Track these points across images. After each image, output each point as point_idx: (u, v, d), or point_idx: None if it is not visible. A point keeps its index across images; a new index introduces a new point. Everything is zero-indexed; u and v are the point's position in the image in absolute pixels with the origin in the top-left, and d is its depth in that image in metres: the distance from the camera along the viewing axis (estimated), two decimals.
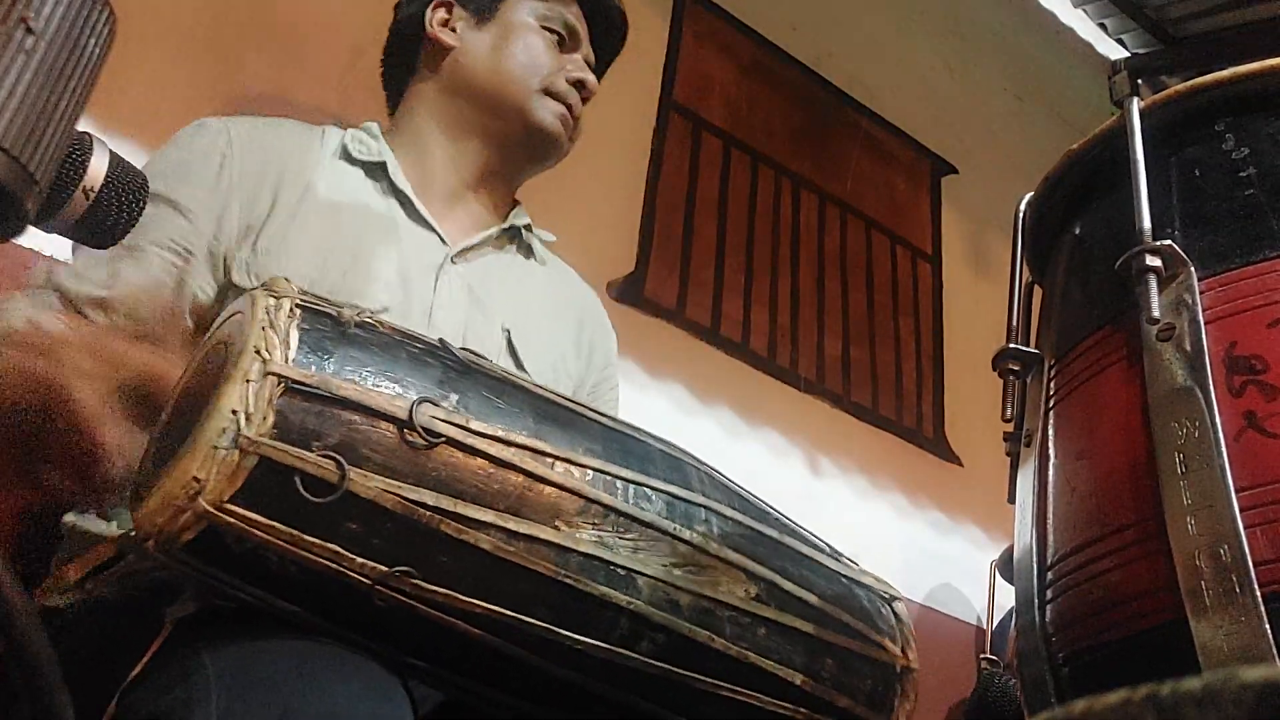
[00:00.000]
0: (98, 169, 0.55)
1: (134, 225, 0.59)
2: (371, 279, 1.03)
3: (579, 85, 1.20)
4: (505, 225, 1.19)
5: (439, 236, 1.12)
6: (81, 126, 0.52)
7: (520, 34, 1.20)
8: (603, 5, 1.27)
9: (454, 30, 1.21)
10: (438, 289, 1.07)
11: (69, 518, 0.94)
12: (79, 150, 0.55)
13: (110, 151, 0.57)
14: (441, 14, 1.22)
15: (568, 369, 1.19)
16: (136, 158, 0.63)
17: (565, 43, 1.22)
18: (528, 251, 1.23)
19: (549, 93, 1.17)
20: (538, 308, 1.18)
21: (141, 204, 0.59)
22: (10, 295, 0.96)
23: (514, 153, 1.20)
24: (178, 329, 0.98)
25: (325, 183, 1.08)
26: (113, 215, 0.57)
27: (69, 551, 0.93)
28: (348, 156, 1.13)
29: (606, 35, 1.29)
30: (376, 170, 1.13)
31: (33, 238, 1.07)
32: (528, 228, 1.22)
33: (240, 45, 1.49)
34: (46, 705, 0.38)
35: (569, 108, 1.19)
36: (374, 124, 1.19)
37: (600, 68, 1.28)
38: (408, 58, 1.24)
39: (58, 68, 0.46)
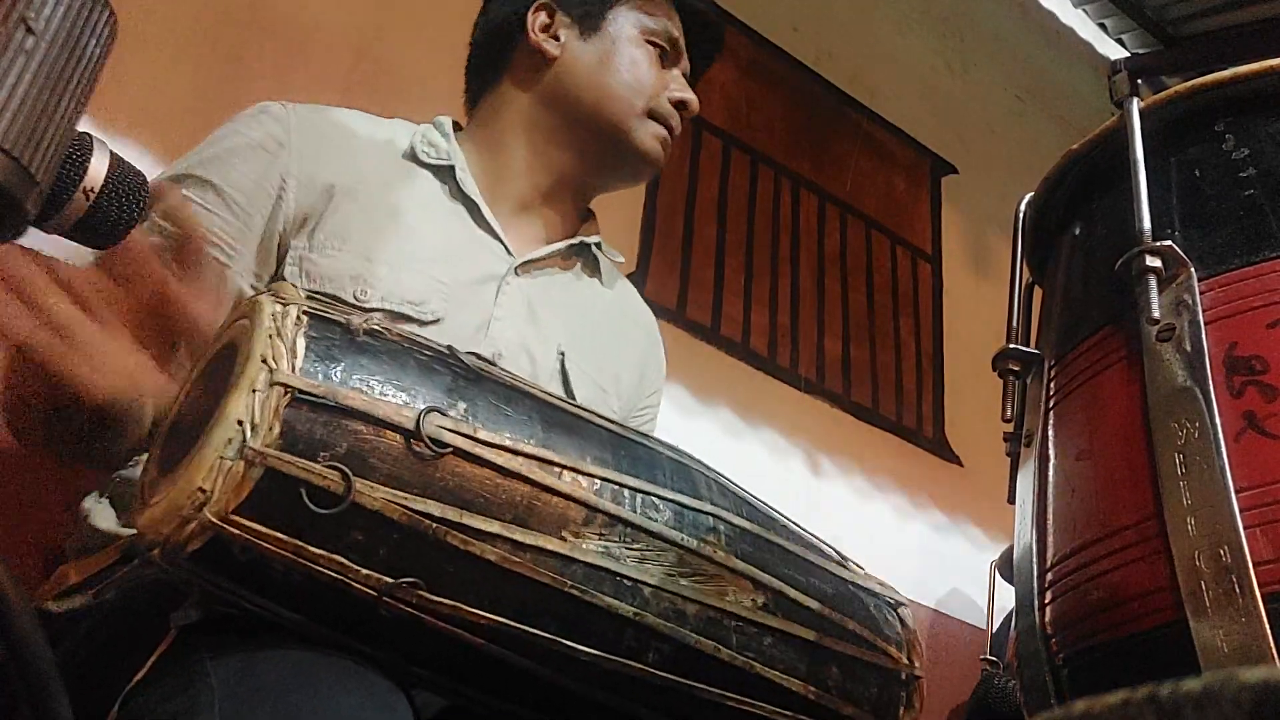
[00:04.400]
0: (98, 169, 0.55)
1: (134, 225, 0.59)
2: (425, 287, 0.99)
3: (680, 105, 1.16)
4: (574, 241, 1.15)
5: (504, 247, 1.08)
6: (81, 126, 0.52)
7: (626, 49, 1.15)
8: (700, 14, 1.23)
9: (557, 39, 1.15)
10: (498, 301, 1.03)
11: (87, 503, 0.94)
12: (79, 150, 0.55)
13: (110, 151, 0.57)
14: (544, 18, 1.16)
15: (620, 390, 1.16)
16: (136, 158, 0.63)
17: (668, 56, 1.18)
18: (594, 269, 1.19)
19: (653, 115, 1.14)
20: (596, 328, 1.14)
21: (142, 204, 0.59)
22: None
23: (606, 171, 1.17)
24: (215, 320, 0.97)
25: (389, 182, 1.04)
26: (113, 215, 0.57)
27: (79, 541, 0.93)
28: (414, 157, 1.08)
29: (701, 45, 1.25)
30: (444, 173, 1.09)
31: (33, 238, 1.07)
32: (598, 245, 1.19)
33: (241, 45, 1.49)
34: (46, 709, 0.38)
35: (670, 130, 1.16)
36: (446, 120, 1.14)
37: (694, 79, 1.25)
38: (499, 57, 1.17)
39: (58, 68, 0.46)
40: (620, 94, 1.13)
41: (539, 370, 1.04)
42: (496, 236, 1.08)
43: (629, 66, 1.14)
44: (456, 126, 1.15)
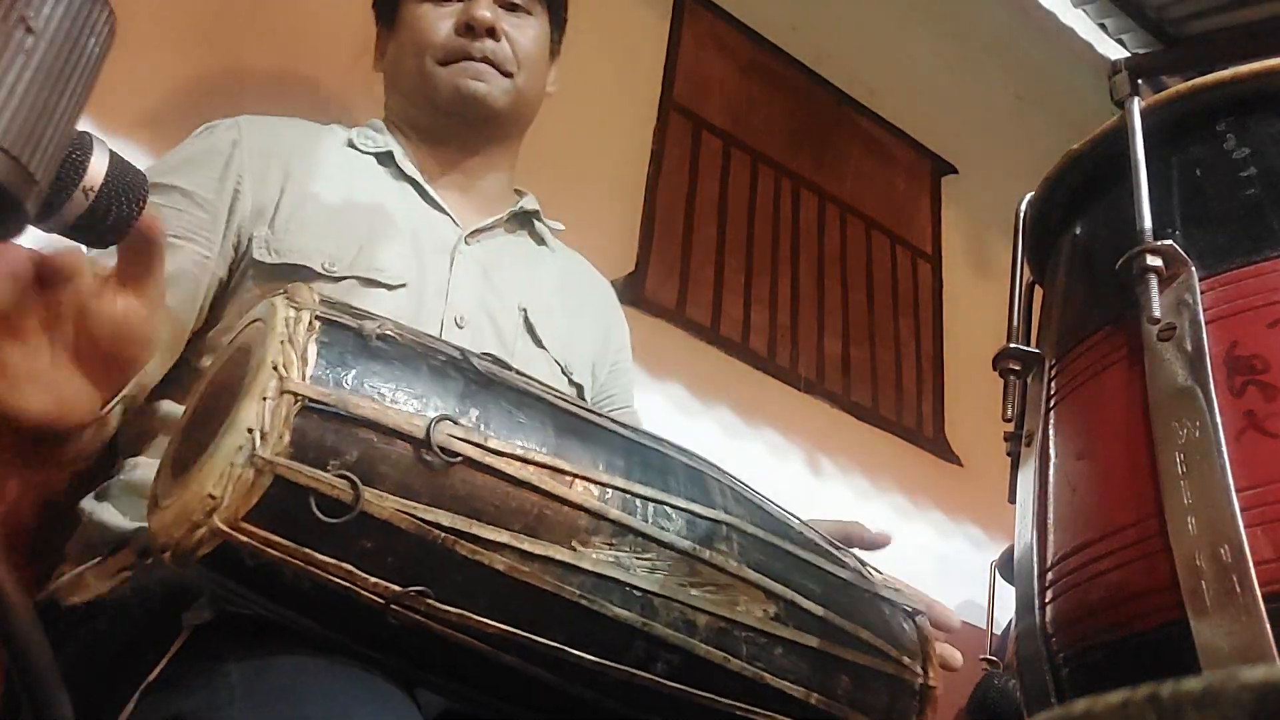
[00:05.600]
0: (98, 169, 0.55)
1: (135, 224, 0.59)
2: (389, 255, 1.03)
3: (468, 29, 1.12)
4: (514, 209, 1.19)
5: (451, 219, 1.12)
6: (81, 126, 0.52)
7: (407, 19, 1.16)
8: None
9: (383, 56, 1.22)
10: (453, 269, 1.08)
11: (86, 503, 0.94)
12: (79, 150, 0.55)
13: (110, 151, 0.57)
14: (378, 50, 1.24)
15: (586, 347, 1.19)
16: (136, 158, 0.63)
17: None
18: (539, 240, 1.23)
19: (440, 62, 1.13)
20: (551, 289, 1.18)
21: (141, 204, 0.59)
22: None
23: (455, 129, 1.17)
24: (194, 314, 0.98)
25: (336, 167, 1.09)
26: (113, 215, 0.57)
27: (83, 539, 0.93)
28: (354, 148, 1.14)
29: None
30: (385, 158, 1.13)
31: (33, 238, 1.07)
32: (536, 214, 1.22)
33: (240, 45, 1.49)
34: (46, 706, 0.38)
35: (468, 57, 1.12)
36: (377, 121, 1.19)
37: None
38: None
39: (58, 68, 0.46)
40: (410, 63, 1.15)
41: (503, 329, 1.07)
42: (443, 210, 1.12)
43: (410, 34, 1.15)
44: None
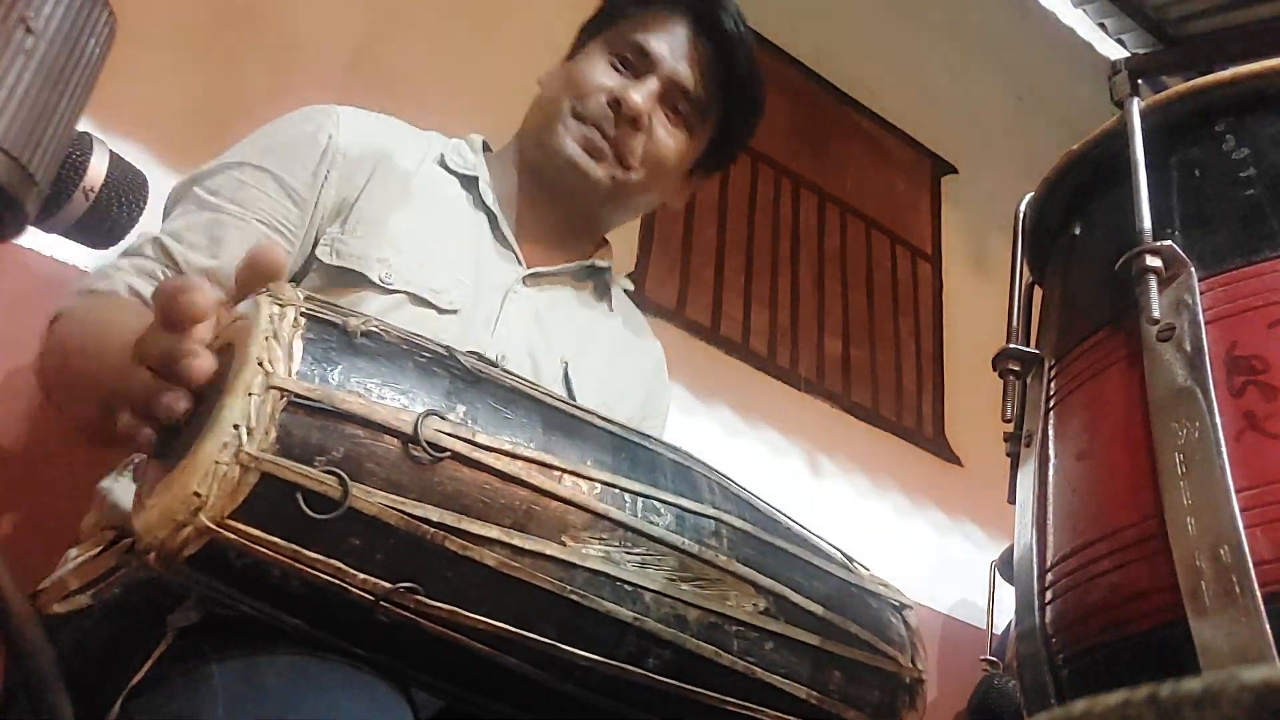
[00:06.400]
0: (98, 169, 0.55)
1: (134, 225, 0.59)
2: (447, 279, 1.01)
3: (616, 105, 1.07)
4: (586, 263, 1.15)
5: (517, 257, 1.10)
6: (81, 126, 0.52)
7: (584, 59, 1.12)
8: (724, 35, 1.11)
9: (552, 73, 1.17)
10: (505, 306, 1.05)
11: (105, 482, 0.94)
12: (79, 150, 0.55)
13: (110, 151, 0.57)
14: (563, 60, 1.18)
15: (622, 410, 1.14)
16: (136, 158, 0.63)
17: (629, 64, 1.10)
18: (604, 294, 1.19)
19: (577, 115, 1.08)
20: (601, 349, 1.15)
21: (142, 204, 0.59)
22: (114, 261, 0.94)
23: (549, 184, 1.12)
24: None
25: (420, 180, 1.07)
26: (113, 215, 0.57)
27: (95, 518, 0.93)
28: (444, 165, 1.11)
29: (739, 103, 1.15)
30: (469, 183, 1.11)
31: (33, 238, 1.07)
32: (606, 270, 1.19)
33: (240, 45, 1.49)
34: (46, 705, 0.38)
35: (600, 130, 1.07)
36: (477, 137, 1.16)
37: (731, 140, 1.18)
38: None
39: (58, 68, 0.46)
40: (553, 97, 1.11)
41: (542, 377, 1.04)
42: (511, 248, 1.10)
43: (574, 73, 1.11)
44: (486, 147, 1.18)
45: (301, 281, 0.99)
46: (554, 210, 1.14)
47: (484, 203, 1.10)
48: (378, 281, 0.97)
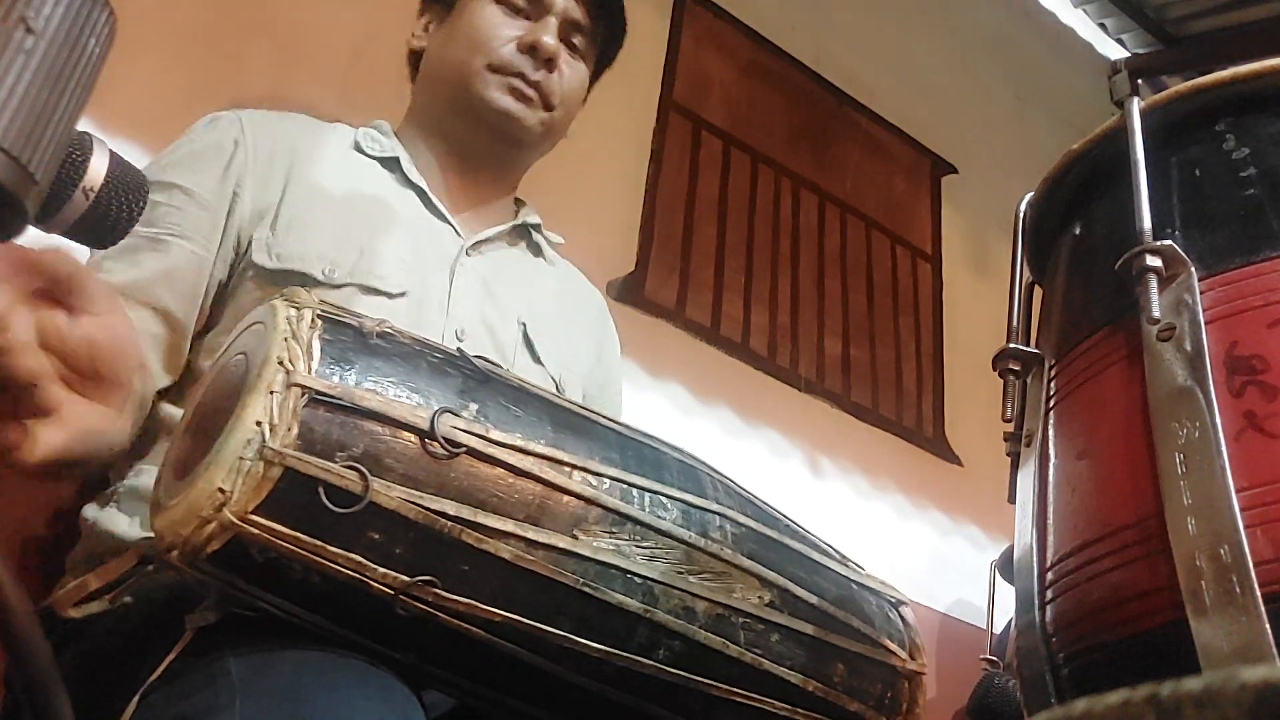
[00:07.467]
0: (98, 169, 0.55)
1: (134, 224, 0.59)
2: (390, 263, 1.02)
3: (530, 50, 1.10)
4: (517, 222, 1.19)
5: (454, 228, 1.12)
6: (81, 126, 0.52)
7: (468, 15, 1.14)
8: None
9: (426, 31, 1.20)
10: (454, 281, 1.07)
11: (89, 511, 0.94)
12: (79, 150, 0.55)
13: (110, 151, 0.57)
14: (421, 21, 1.21)
15: (579, 363, 1.19)
16: (136, 158, 0.63)
17: (522, 10, 1.14)
18: (537, 250, 1.23)
19: (494, 68, 1.11)
20: (549, 303, 1.18)
21: (142, 204, 0.59)
22: None
23: (479, 139, 1.15)
24: (194, 314, 0.99)
25: (340, 170, 1.08)
26: (113, 215, 0.57)
27: (86, 548, 0.93)
28: (360, 151, 1.13)
29: (606, 21, 1.20)
30: (391, 164, 1.13)
31: (33, 238, 1.07)
32: (537, 228, 1.22)
33: (240, 45, 1.49)
34: (45, 705, 0.38)
35: (522, 76, 1.11)
36: (384, 123, 1.18)
37: (603, 52, 1.22)
38: (412, 69, 1.24)
39: (58, 68, 0.46)
40: (460, 57, 1.13)
41: (502, 343, 1.07)
42: (446, 220, 1.12)
43: (469, 30, 1.13)
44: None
45: (238, 290, 1.00)
46: (480, 175, 1.18)
47: (410, 180, 1.11)
48: (322, 278, 0.98)
